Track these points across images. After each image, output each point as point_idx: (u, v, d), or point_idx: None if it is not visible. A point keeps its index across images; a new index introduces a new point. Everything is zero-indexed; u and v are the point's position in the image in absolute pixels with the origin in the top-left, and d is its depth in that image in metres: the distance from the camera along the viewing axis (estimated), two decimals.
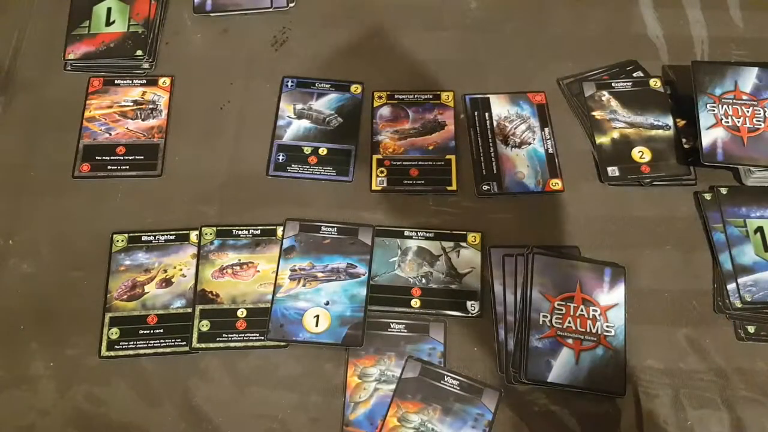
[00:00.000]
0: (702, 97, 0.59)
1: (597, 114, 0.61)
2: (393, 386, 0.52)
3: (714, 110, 0.59)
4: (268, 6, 0.67)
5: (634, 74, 0.63)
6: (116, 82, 0.64)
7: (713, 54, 0.64)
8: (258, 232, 0.58)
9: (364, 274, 0.56)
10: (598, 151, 0.60)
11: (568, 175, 0.60)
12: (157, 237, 0.58)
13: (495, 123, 0.62)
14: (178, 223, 0.58)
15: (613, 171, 0.59)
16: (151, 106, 0.63)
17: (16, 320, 0.55)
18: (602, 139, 0.60)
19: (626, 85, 0.62)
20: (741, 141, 0.58)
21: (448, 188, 0.59)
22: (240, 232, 0.58)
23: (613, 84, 0.62)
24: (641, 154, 0.59)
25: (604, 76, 0.63)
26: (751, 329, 0.54)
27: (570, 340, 0.53)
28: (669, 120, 0.61)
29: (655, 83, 0.62)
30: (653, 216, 0.58)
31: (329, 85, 0.64)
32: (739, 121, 0.58)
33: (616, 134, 0.60)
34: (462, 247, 0.57)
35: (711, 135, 0.58)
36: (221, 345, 0.54)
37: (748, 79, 0.60)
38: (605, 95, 0.62)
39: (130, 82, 0.64)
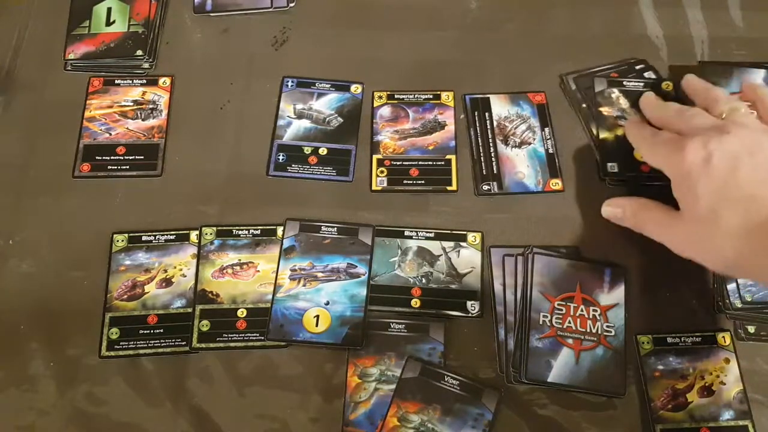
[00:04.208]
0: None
1: (605, 110, 0.61)
2: (393, 386, 0.52)
3: None
4: (268, 6, 0.67)
5: (645, 74, 0.63)
6: (116, 82, 0.64)
7: (713, 54, 0.64)
8: (258, 232, 0.58)
9: (364, 274, 0.56)
10: (600, 145, 0.60)
11: (568, 175, 0.60)
12: (157, 237, 0.58)
13: (495, 123, 0.62)
14: (178, 223, 0.58)
15: (612, 167, 0.59)
16: (151, 106, 0.63)
17: (16, 320, 0.55)
18: (606, 135, 0.60)
19: (637, 85, 0.62)
20: None
21: (448, 188, 0.59)
22: (240, 232, 0.58)
23: (624, 83, 0.62)
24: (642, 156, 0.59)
25: (612, 73, 0.63)
26: (751, 329, 0.55)
27: (570, 340, 0.53)
28: None
29: (667, 86, 0.61)
30: None
31: (329, 85, 0.64)
32: None
33: (620, 131, 0.60)
34: (462, 247, 0.57)
35: None
36: (221, 345, 0.54)
37: (755, 80, 0.60)
38: (615, 92, 0.61)
39: (131, 82, 0.64)
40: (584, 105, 0.62)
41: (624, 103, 0.61)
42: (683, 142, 0.48)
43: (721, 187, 0.46)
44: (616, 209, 0.54)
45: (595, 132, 0.60)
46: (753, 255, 0.45)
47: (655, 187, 0.57)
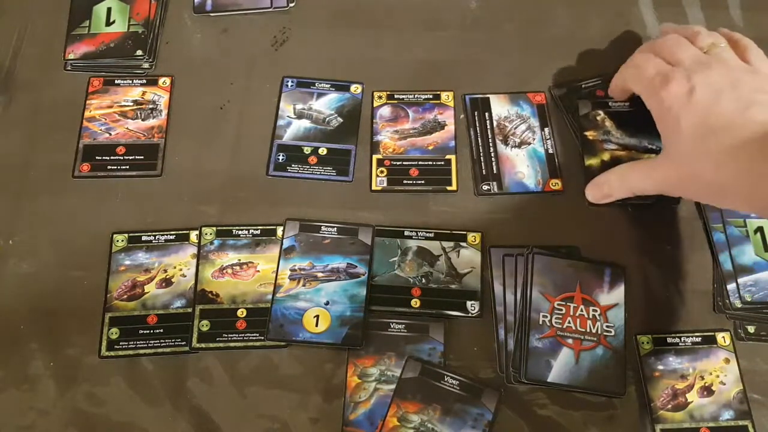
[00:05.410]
0: None
1: (590, 134, 0.59)
2: (393, 386, 0.52)
3: None
4: (268, 6, 0.67)
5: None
6: (116, 82, 0.64)
7: None
8: (258, 232, 0.58)
9: (364, 274, 0.56)
10: (586, 172, 0.58)
11: (568, 175, 0.60)
12: (157, 237, 0.58)
13: (495, 123, 0.62)
14: (178, 223, 0.58)
15: None
16: (151, 106, 0.63)
17: (15, 320, 0.55)
18: (592, 161, 0.59)
19: (623, 105, 0.60)
20: None
21: (448, 188, 0.59)
22: (240, 232, 0.58)
23: (610, 104, 0.60)
24: None
25: (599, 90, 0.61)
26: (751, 329, 0.55)
27: (570, 340, 0.53)
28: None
29: None
30: (653, 216, 0.58)
31: (329, 85, 0.64)
32: None
33: (606, 156, 0.58)
34: (462, 247, 0.57)
35: None
36: (221, 345, 0.54)
37: None
38: (600, 114, 0.60)
39: (130, 82, 0.64)
40: (571, 125, 0.61)
41: (609, 124, 0.59)
42: (668, 78, 0.50)
43: (703, 118, 0.48)
44: (602, 188, 0.56)
45: (581, 158, 0.59)
46: (735, 177, 0.46)
47: (643, 207, 0.58)
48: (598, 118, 0.59)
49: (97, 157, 0.61)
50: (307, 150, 0.61)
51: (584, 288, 0.54)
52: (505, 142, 0.61)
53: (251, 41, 0.66)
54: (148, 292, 0.56)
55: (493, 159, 0.60)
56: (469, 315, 0.55)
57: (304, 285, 0.56)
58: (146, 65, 0.65)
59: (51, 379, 0.54)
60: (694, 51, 0.53)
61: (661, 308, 0.56)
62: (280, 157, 0.61)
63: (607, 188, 0.55)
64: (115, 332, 0.55)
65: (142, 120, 0.62)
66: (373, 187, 0.60)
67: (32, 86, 0.64)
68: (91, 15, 0.66)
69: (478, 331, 0.55)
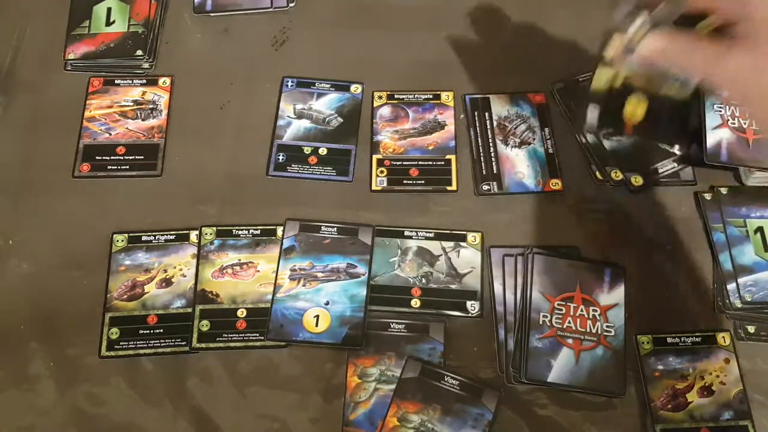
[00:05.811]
0: (709, 96, 0.59)
1: (617, 38, 0.45)
2: (393, 386, 0.52)
3: (721, 111, 0.58)
4: (268, 6, 0.67)
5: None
6: (116, 82, 0.64)
7: None
8: (258, 232, 0.58)
9: (364, 274, 0.56)
10: (589, 95, 0.49)
11: (568, 175, 0.60)
12: (157, 237, 0.58)
13: (495, 123, 0.62)
14: (178, 223, 0.58)
15: (592, 120, 0.49)
16: (151, 106, 0.63)
17: (15, 320, 0.55)
18: (599, 82, 0.48)
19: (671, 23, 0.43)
20: (746, 143, 0.58)
21: (448, 188, 0.59)
22: (240, 232, 0.58)
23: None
24: (634, 110, 0.48)
25: None
26: (751, 329, 0.55)
27: (570, 340, 0.53)
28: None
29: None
30: (653, 216, 0.58)
31: (329, 85, 0.64)
32: (745, 123, 0.58)
33: (623, 73, 0.47)
34: (462, 247, 0.57)
35: (716, 135, 0.58)
36: (221, 345, 0.54)
37: None
38: (641, 20, 0.43)
39: (130, 82, 0.64)
40: (564, 114, 0.60)
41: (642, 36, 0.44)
42: None
43: None
44: (662, 43, 0.43)
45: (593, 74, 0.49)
46: None
47: (645, 189, 0.58)
48: (637, 24, 0.44)
49: (97, 157, 0.61)
50: (307, 150, 0.61)
51: (584, 288, 0.54)
52: (505, 142, 0.61)
53: (251, 41, 0.66)
54: (148, 292, 0.56)
55: (493, 159, 0.60)
56: (469, 315, 0.55)
57: (304, 285, 0.56)
58: (146, 65, 0.65)
59: (51, 379, 0.54)
60: None
61: (661, 308, 0.56)
62: (280, 157, 0.61)
63: (670, 50, 0.42)
64: (115, 332, 0.55)
65: (142, 120, 0.62)
66: (373, 187, 0.60)
67: (32, 86, 0.64)
68: (91, 15, 0.66)
69: (478, 331, 0.55)
